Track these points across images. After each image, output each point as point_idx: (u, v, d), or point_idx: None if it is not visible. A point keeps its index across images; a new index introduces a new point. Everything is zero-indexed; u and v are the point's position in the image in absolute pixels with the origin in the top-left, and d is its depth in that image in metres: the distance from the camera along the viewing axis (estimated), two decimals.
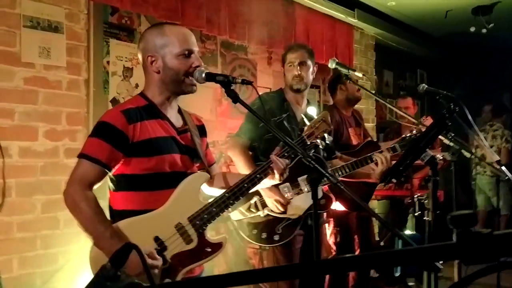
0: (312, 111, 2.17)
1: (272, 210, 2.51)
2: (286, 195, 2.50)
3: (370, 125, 5.42)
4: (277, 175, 1.79)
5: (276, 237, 2.52)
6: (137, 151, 1.62)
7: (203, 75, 1.68)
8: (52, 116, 2.76)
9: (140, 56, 1.75)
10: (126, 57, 3.43)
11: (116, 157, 1.60)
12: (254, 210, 2.53)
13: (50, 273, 2.71)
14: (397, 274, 4.33)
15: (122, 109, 1.64)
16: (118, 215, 1.66)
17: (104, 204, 1.72)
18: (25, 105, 2.64)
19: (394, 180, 1.47)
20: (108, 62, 3.30)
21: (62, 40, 2.78)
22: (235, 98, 1.62)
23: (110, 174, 1.65)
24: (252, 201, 2.53)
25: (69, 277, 2.80)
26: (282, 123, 2.55)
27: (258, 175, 1.77)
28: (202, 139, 1.87)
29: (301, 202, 2.54)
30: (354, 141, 3.43)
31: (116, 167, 1.63)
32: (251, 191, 1.80)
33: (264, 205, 2.53)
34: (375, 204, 5.06)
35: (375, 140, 4.55)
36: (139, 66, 3.56)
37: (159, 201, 1.65)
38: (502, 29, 5.23)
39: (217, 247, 1.70)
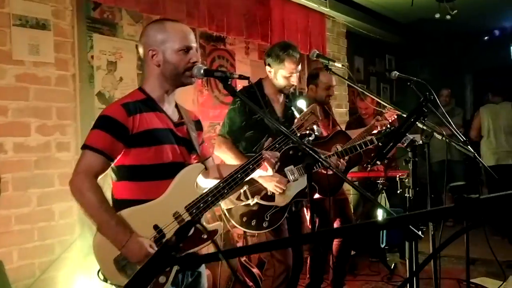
0: (302, 104, 2.30)
1: (262, 197, 2.67)
2: (291, 177, 2.68)
3: (343, 110, 5.65)
4: (270, 167, 1.96)
5: (265, 224, 2.67)
6: (136, 141, 1.70)
7: (202, 71, 1.80)
8: (43, 112, 2.83)
9: (141, 50, 1.84)
10: (109, 51, 3.49)
11: (117, 148, 1.68)
12: (244, 199, 2.67)
13: (48, 262, 2.81)
14: (382, 245, 4.57)
15: (122, 103, 1.73)
16: (119, 204, 1.74)
17: (108, 194, 1.80)
18: (18, 101, 2.70)
19: (378, 163, 1.65)
20: (92, 57, 3.36)
21: (50, 37, 2.84)
22: (232, 91, 1.76)
23: (112, 165, 1.73)
24: (242, 190, 2.66)
25: (66, 265, 2.91)
26: (263, 120, 2.65)
27: (251, 166, 1.91)
28: (198, 133, 1.98)
29: (288, 191, 2.70)
30: (324, 132, 3.63)
31: (118, 157, 1.71)
32: (244, 181, 1.93)
33: (253, 194, 2.67)
34: (349, 186, 5.30)
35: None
36: (123, 59, 3.68)
37: (158, 190, 1.73)
38: (464, 15, 5.50)
39: (213, 234, 1.82)
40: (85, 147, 1.69)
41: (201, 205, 1.77)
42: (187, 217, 1.75)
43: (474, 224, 0.57)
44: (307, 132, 2.16)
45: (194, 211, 1.76)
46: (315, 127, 2.18)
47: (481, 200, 0.58)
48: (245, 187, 2.66)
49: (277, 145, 2.09)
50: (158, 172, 1.75)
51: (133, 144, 1.71)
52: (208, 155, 2.05)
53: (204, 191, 1.80)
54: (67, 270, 2.91)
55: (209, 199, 1.78)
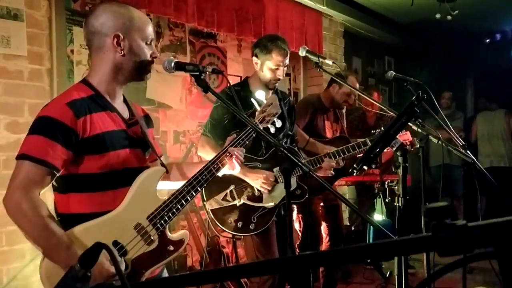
0: (261, 95, 2.13)
1: (249, 198, 2.52)
2: (280, 179, 2.55)
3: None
4: (236, 164, 1.78)
5: (252, 226, 2.53)
6: (86, 148, 1.45)
7: (172, 64, 1.63)
8: (13, 108, 2.66)
9: (95, 31, 1.53)
10: None
11: (63, 156, 1.41)
12: (230, 199, 2.53)
13: (17, 269, 2.64)
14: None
15: (67, 101, 1.44)
16: (68, 219, 1.48)
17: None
18: None
19: (365, 168, 1.48)
20: (72, 51, 3.20)
21: (22, 28, 2.67)
22: (205, 88, 1.60)
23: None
24: (228, 190, 2.52)
25: (37, 272, 2.73)
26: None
27: (215, 165, 1.73)
28: (149, 130, 1.75)
29: (276, 192, 2.56)
30: (328, 134, 3.49)
31: (64, 167, 1.45)
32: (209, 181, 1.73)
33: (240, 194, 2.53)
34: (344, 190, 5.14)
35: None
36: None
37: (114, 201, 1.51)
38: (466, 15, 5.34)
39: (179, 244, 1.62)
40: (23, 156, 1.39)
41: (165, 213, 1.57)
42: (150, 228, 1.55)
43: (456, 263, 0.40)
44: (268, 125, 2.00)
45: (157, 221, 1.56)
46: (275, 119, 2.02)
47: (469, 229, 0.40)
48: (231, 187, 2.52)
49: (240, 141, 1.93)
50: (112, 181, 1.51)
51: (82, 151, 1.46)
52: (160, 154, 1.79)
53: (168, 198, 1.61)
54: (37, 277, 2.73)
55: (174, 205, 1.58)
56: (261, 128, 1.85)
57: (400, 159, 1.55)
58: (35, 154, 1.39)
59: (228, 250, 3.82)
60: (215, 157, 1.77)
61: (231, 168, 1.80)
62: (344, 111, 3.86)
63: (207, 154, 2.58)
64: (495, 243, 0.38)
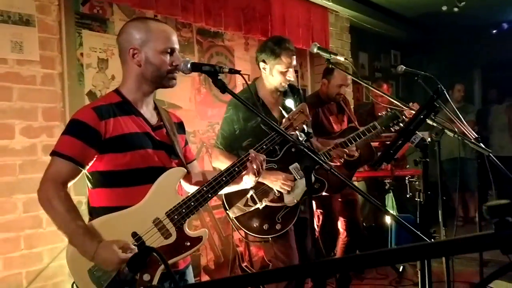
0: (290, 103, 2.16)
1: (271, 200, 2.52)
2: (297, 175, 2.56)
3: None
4: (252, 171, 1.81)
5: (278, 226, 2.54)
6: (110, 147, 1.61)
7: (189, 65, 1.67)
8: (28, 113, 2.67)
9: (120, 48, 1.72)
10: (100, 48, 3.34)
11: (89, 154, 1.59)
12: (252, 204, 2.53)
13: (36, 272, 2.66)
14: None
15: (93, 106, 1.64)
16: (96, 211, 1.66)
17: (85, 201, 1.72)
18: (1, 102, 2.55)
19: (385, 164, 1.47)
20: (82, 54, 3.21)
21: (34, 34, 2.68)
22: (222, 88, 1.60)
23: (85, 171, 1.64)
24: (249, 195, 2.53)
25: (56, 274, 2.75)
26: (259, 126, 2.50)
27: (236, 168, 1.79)
28: (180, 136, 1.87)
29: (296, 189, 2.57)
30: (336, 128, 3.48)
31: (90, 164, 1.62)
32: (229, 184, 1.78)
33: (260, 198, 2.53)
34: (358, 184, 5.13)
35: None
36: (114, 57, 3.52)
37: (136, 197, 1.64)
38: (472, 7, 5.31)
39: (197, 241, 1.71)
40: (53, 153, 1.60)
41: (183, 210, 1.66)
42: (168, 223, 1.65)
43: None
44: (296, 132, 2.00)
45: (175, 217, 1.66)
46: (305, 126, 2.02)
47: None
48: (251, 192, 2.52)
49: (264, 146, 1.93)
50: (135, 178, 1.65)
51: (106, 149, 1.62)
52: (192, 158, 1.94)
53: (186, 196, 1.69)
54: (57, 280, 2.76)
55: (192, 204, 1.67)
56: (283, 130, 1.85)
57: (420, 154, 1.54)
58: (64, 151, 1.58)
59: (241, 248, 3.82)
60: (237, 161, 1.80)
61: (248, 173, 1.81)
62: (345, 103, 3.83)
63: (222, 165, 2.56)
64: None
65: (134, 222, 1.61)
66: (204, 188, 1.71)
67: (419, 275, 1.61)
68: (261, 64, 2.62)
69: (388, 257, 0.54)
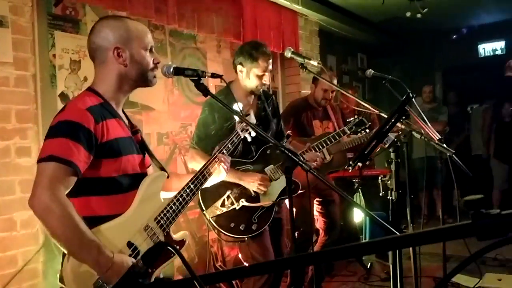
0: (238, 107, 2.24)
1: (247, 200, 2.58)
2: (273, 176, 2.64)
3: None
4: (223, 170, 1.91)
5: (254, 226, 2.59)
6: (104, 152, 1.52)
7: (171, 69, 1.69)
8: (1, 115, 2.64)
9: (96, 47, 1.62)
10: (72, 50, 3.32)
11: (87, 159, 1.47)
12: (228, 205, 2.58)
13: (10, 275, 2.62)
14: None
15: (86, 107, 1.50)
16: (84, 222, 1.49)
17: None
18: None
19: (360, 164, 1.57)
20: (54, 55, 3.18)
21: (8, 35, 2.64)
22: (205, 91, 1.66)
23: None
24: (225, 196, 2.58)
25: (30, 277, 2.72)
26: (235, 127, 2.57)
27: (207, 170, 1.88)
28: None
29: (272, 190, 2.64)
30: (317, 132, 3.60)
31: (84, 170, 1.48)
32: (203, 186, 1.91)
33: (237, 198, 2.59)
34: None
35: None
36: (87, 58, 3.46)
37: (125, 204, 1.58)
38: (435, 13, 5.54)
39: (181, 243, 1.74)
40: (49, 158, 1.41)
41: (169, 215, 1.67)
42: (156, 228, 1.63)
43: (496, 244, 0.48)
44: (246, 135, 2.26)
45: (163, 222, 1.66)
46: (250, 130, 2.25)
47: (503, 216, 0.49)
48: (228, 192, 2.58)
49: (229, 145, 2.03)
50: (124, 184, 1.59)
51: (100, 155, 1.51)
52: (149, 163, 1.84)
53: (171, 200, 1.71)
54: (31, 283, 2.73)
55: (176, 207, 1.70)
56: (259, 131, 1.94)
57: (392, 155, 1.65)
58: (62, 155, 1.42)
59: (215, 248, 3.87)
60: (206, 162, 1.90)
61: (217, 173, 1.91)
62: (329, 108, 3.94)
63: (198, 165, 2.61)
64: None
65: (128, 230, 1.55)
66: (185, 191, 1.73)
67: (390, 269, 1.71)
68: (238, 67, 2.68)
69: (379, 246, 0.62)
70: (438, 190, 5.85)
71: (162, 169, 1.79)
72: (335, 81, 3.64)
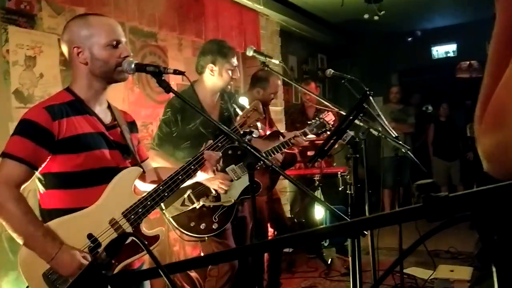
0: (244, 101, 2.27)
1: (208, 199, 2.58)
2: (234, 176, 2.66)
3: (279, 109, 5.65)
4: (210, 168, 1.87)
5: (215, 226, 2.60)
6: (64, 148, 1.58)
7: (133, 65, 1.68)
8: None
9: (65, 49, 1.70)
10: (27, 45, 3.20)
11: (41, 155, 1.56)
12: (189, 204, 2.58)
13: None
14: (326, 244, 4.64)
15: (45, 106, 1.59)
16: (48, 214, 1.63)
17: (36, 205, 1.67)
18: None
19: (319, 160, 1.61)
20: (8, 51, 3.06)
21: None
22: (167, 88, 1.65)
23: (37, 173, 1.61)
24: (186, 195, 2.57)
25: None
26: (198, 129, 2.57)
27: (192, 166, 1.82)
28: (133, 135, 1.87)
29: (233, 189, 2.66)
30: (262, 132, 3.65)
31: (43, 165, 1.59)
32: (185, 184, 1.83)
33: (198, 198, 2.58)
34: (285, 183, 5.33)
35: (282, 121, 4.90)
36: (43, 54, 3.39)
37: (91, 198, 1.63)
38: (391, 16, 5.72)
39: (154, 240, 1.72)
40: (4, 155, 1.55)
41: (140, 210, 1.67)
42: (124, 223, 1.64)
43: (444, 224, 0.52)
44: (249, 129, 2.11)
45: (132, 216, 1.66)
46: (258, 124, 2.14)
47: (450, 199, 0.52)
48: (188, 192, 2.57)
49: (219, 144, 2.01)
50: (89, 179, 1.64)
51: (59, 150, 1.59)
52: (145, 157, 1.95)
53: (143, 195, 1.70)
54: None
55: (148, 203, 1.69)
56: (241, 132, 1.95)
57: (350, 150, 1.70)
58: (15, 153, 1.54)
59: (177, 248, 3.84)
60: (193, 159, 1.84)
61: (205, 171, 1.87)
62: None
63: (158, 166, 2.59)
64: (472, 208, 0.50)
65: (90, 223, 1.59)
66: (161, 187, 1.72)
67: (350, 264, 1.77)
68: (209, 66, 2.67)
69: (334, 231, 0.65)
70: (402, 188, 6.06)
71: (139, 165, 1.79)
72: (279, 83, 3.71)
